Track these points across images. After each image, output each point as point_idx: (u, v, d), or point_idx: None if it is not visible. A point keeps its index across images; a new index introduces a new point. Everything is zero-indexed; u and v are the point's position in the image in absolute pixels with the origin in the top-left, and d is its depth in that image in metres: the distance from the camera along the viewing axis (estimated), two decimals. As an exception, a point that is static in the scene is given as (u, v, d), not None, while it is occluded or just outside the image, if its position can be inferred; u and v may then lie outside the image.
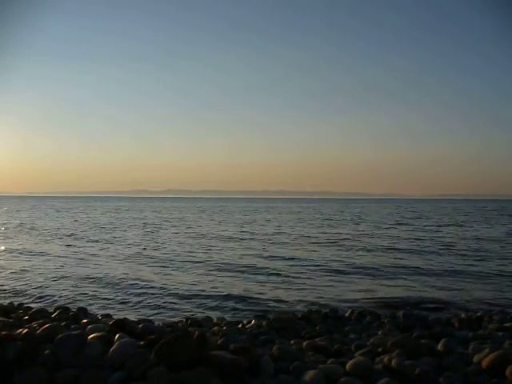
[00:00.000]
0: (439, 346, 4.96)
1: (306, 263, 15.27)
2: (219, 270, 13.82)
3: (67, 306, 8.43)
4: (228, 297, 10.14)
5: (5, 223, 34.16)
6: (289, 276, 12.87)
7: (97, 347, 4.07)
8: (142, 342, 4.30)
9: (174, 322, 7.37)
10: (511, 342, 5.31)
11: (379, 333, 6.34)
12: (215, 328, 6.59)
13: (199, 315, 8.34)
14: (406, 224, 36.43)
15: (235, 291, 10.69)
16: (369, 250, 18.93)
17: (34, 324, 5.51)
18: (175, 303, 9.70)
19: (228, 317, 8.30)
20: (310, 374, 3.86)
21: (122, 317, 6.91)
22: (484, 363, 4.24)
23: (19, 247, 19.35)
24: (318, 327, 6.74)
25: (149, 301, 9.88)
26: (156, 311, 9.07)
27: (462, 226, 34.84)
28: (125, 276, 12.68)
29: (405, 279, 12.55)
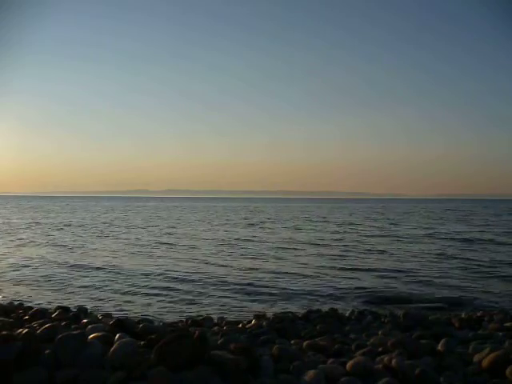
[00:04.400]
0: (439, 346, 4.95)
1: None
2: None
3: (67, 305, 8.42)
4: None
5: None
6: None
7: (97, 347, 4.07)
8: (142, 342, 4.30)
9: (175, 322, 7.37)
10: (511, 341, 5.30)
11: (379, 333, 6.32)
12: (215, 328, 6.59)
13: (199, 315, 8.34)
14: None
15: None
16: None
17: (34, 324, 5.51)
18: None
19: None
20: (310, 374, 3.86)
21: (122, 316, 6.92)
22: (484, 363, 4.24)
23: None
24: (318, 327, 6.73)
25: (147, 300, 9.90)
26: (158, 311, 9.08)
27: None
28: (127, 274, 12.69)
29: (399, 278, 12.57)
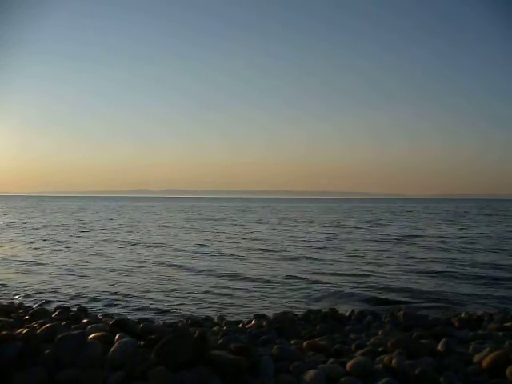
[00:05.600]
0: (439, 346, 4.95)
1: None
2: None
3: (67, 305, 8.43)
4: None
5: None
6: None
7: (97, 347, 4.06)
8: (142, 342, 4.30)
9: (174, 322, 7.38)
10: (511, 341, 5.30)
11: (379, 333, 6.32)
12: (215, 328, 6.59)
13: (199, 315, 8.34)
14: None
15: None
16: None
17: (34, 324, 5.50)
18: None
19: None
20: (310, 374, 3.86)
21: (122, 316, 6.92)
22: (484, 363, 4.24)
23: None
24: (318, 327, 6.74)
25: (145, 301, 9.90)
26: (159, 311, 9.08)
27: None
28: (126, 275, 12.70)
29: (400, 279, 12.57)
